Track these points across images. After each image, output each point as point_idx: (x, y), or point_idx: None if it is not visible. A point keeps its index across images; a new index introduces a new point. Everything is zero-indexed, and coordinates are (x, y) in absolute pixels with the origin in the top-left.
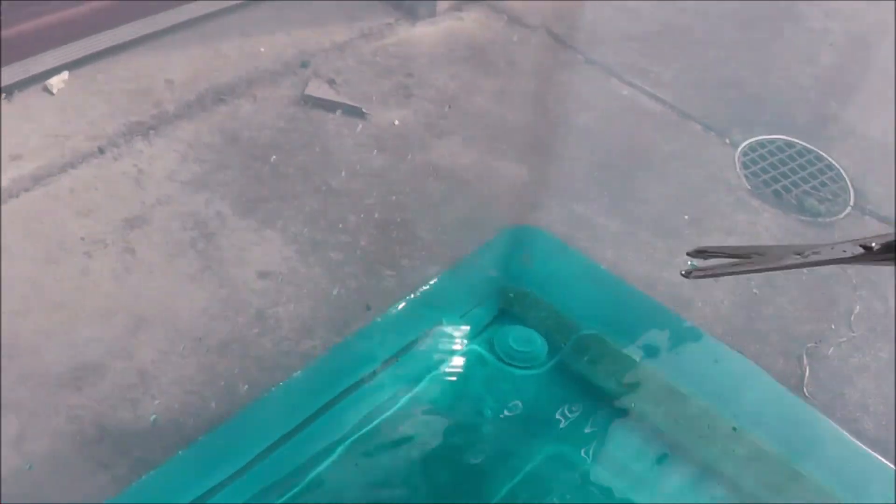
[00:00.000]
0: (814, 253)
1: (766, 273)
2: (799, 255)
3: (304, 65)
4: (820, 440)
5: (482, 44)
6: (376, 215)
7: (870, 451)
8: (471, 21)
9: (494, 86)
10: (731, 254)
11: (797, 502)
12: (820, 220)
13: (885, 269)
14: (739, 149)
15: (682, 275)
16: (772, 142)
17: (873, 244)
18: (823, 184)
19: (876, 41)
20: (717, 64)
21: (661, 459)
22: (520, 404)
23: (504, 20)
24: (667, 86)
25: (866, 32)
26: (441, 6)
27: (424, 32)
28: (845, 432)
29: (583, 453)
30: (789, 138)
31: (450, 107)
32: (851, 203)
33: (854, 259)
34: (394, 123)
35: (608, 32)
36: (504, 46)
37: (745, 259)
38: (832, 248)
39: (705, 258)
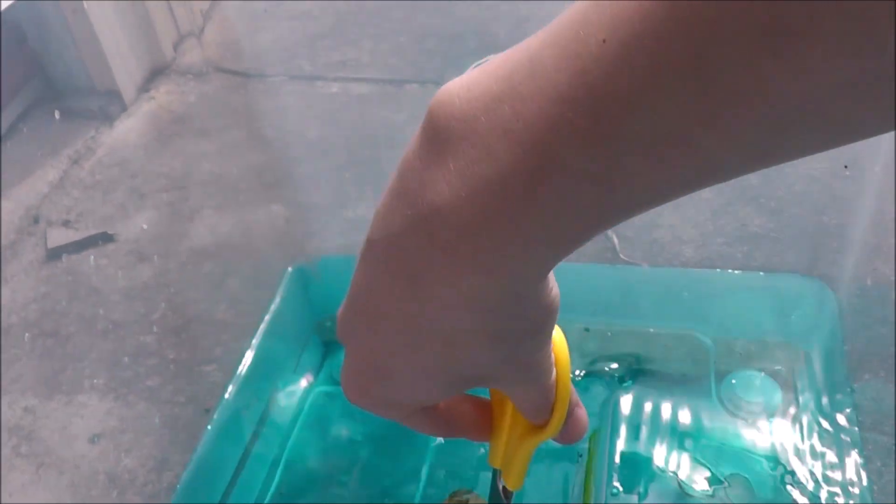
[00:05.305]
0: None
1: None
2: None
3: (36, 220)
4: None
5: (185, 112)
6: (169, 321)
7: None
8: (164, 95)
9: (213, 147)
10: None
11: None
12: None
13: None
14: None
15: None
16: None
17: None
18: None
19: None
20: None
21: None
22: None
23: (191, 80)
24: (369, 64)
25: None
26: (128, 95)
27: (127, 127)
28: (668, 266)
29: None
30: None
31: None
32: None
33: None
34: (143, 228)
35: None
36: (207, 106)
37: None
38: None
39: None
